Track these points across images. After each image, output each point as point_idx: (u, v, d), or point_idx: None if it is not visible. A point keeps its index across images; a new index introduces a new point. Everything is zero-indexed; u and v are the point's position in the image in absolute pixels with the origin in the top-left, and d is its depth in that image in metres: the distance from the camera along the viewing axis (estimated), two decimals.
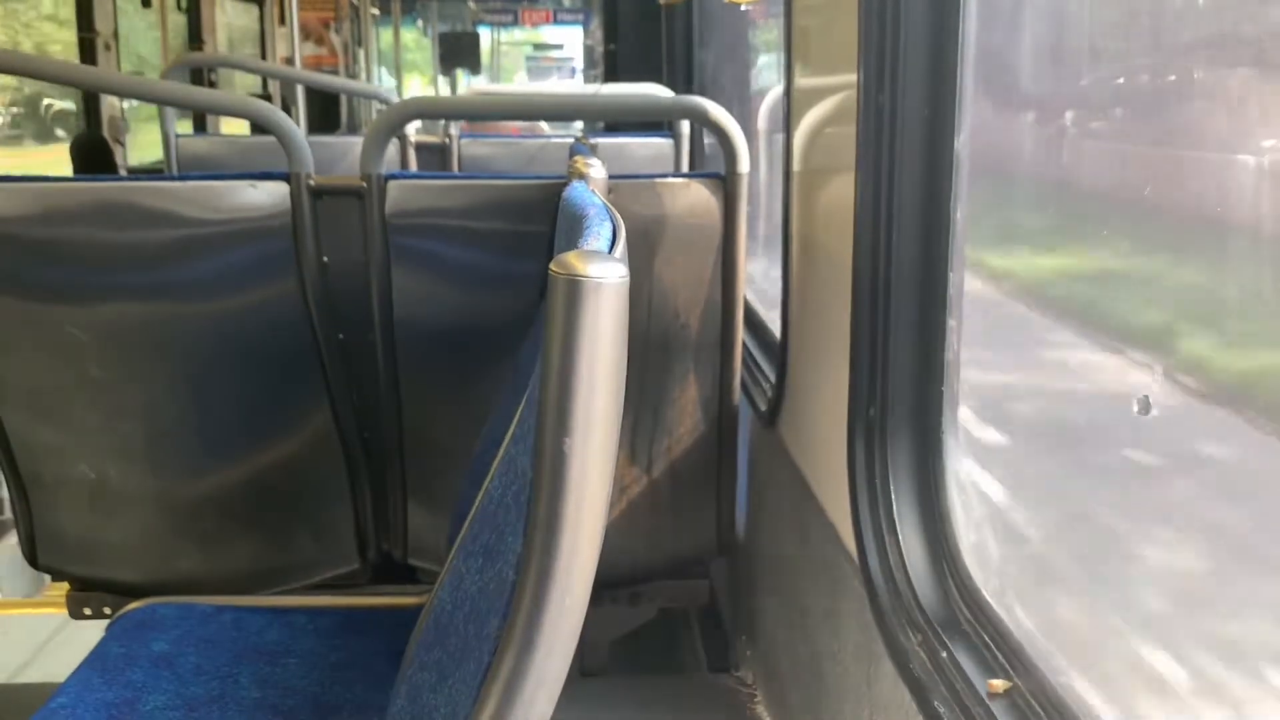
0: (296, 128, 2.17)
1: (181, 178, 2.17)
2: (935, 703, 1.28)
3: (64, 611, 2.39)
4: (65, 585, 2.39)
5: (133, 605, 1.94)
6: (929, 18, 1.44)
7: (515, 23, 15.50)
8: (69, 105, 6.86)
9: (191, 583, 2.25)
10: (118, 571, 2.31)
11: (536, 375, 0.99)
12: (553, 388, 0.79)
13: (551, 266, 0.79)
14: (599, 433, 0.80)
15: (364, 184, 2.14)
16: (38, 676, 2.68)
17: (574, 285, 0.78)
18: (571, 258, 0.79)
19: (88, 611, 2.35)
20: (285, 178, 2.13)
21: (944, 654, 1.33)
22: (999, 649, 1.30)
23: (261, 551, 2.33)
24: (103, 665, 1.76)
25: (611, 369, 0.80)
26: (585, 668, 2.52)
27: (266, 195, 2.13)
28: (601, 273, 0.79)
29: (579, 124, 4.67)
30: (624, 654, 2.66)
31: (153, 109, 4.06)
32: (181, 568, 2.31)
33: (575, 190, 1.26)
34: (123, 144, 5.96)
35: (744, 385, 2.38)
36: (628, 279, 0.81)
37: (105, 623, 1.93)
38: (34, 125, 7.12)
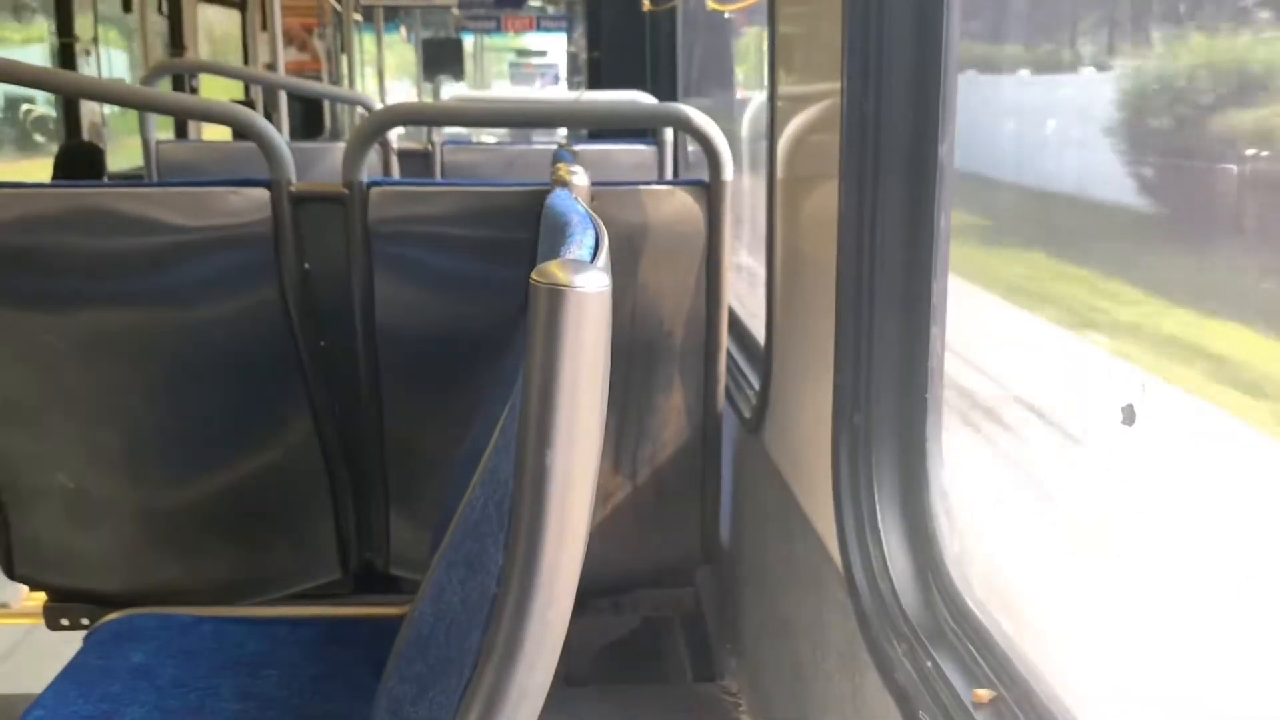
0: (277, 134, 2.16)
1: (161, 184, 2.15)
2: (920, 712, 1.28)
3: (41, 622, 2.36)
4: (42, 595, 2.37)
5: (111, 616, 1.92)
6: (913, 25, 1.43)
7: (498, 29, 15.49)
8: (50, 111, 6.82)
9: (171, 593, 2.23)
10: (96, 582, 2.29)
11: (519, 384, 0.98)
12: (534, 399, 0.78)
13: (533, 276, 0.78)
14: (581, 444, 0.79)
15: (346, 191, 2.12)
16: (13, 688, 2.65)
17: (555, 295, 0.77)
18: (553, 267, 0.78)
19: (65, 622, 2.32)
20: (266, 184, 2.11)
21: (929, 663, 1.33)
22: (984, 658, 1.29)
23: (242, 561, 2.31)
24: (79, 677, 1.74)
25: (594, 379, 0.79)
26: (569, 677, 2.51)
27: (247, 202, 2.11)
28: (583, 282, 0.78)
29: (563, 131, 4.66)
30: (608, 663, 2.65)
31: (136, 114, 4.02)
32: (161, 578, 2.29)
33: (558, 198, 1.25)
34: (103, 150, 5.93)
35: (728, 392, 2.37)
36: (610, 288, 0.80)
37: (83, 634, 1.91)
38: (12, 131, 7.09)
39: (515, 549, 0.79)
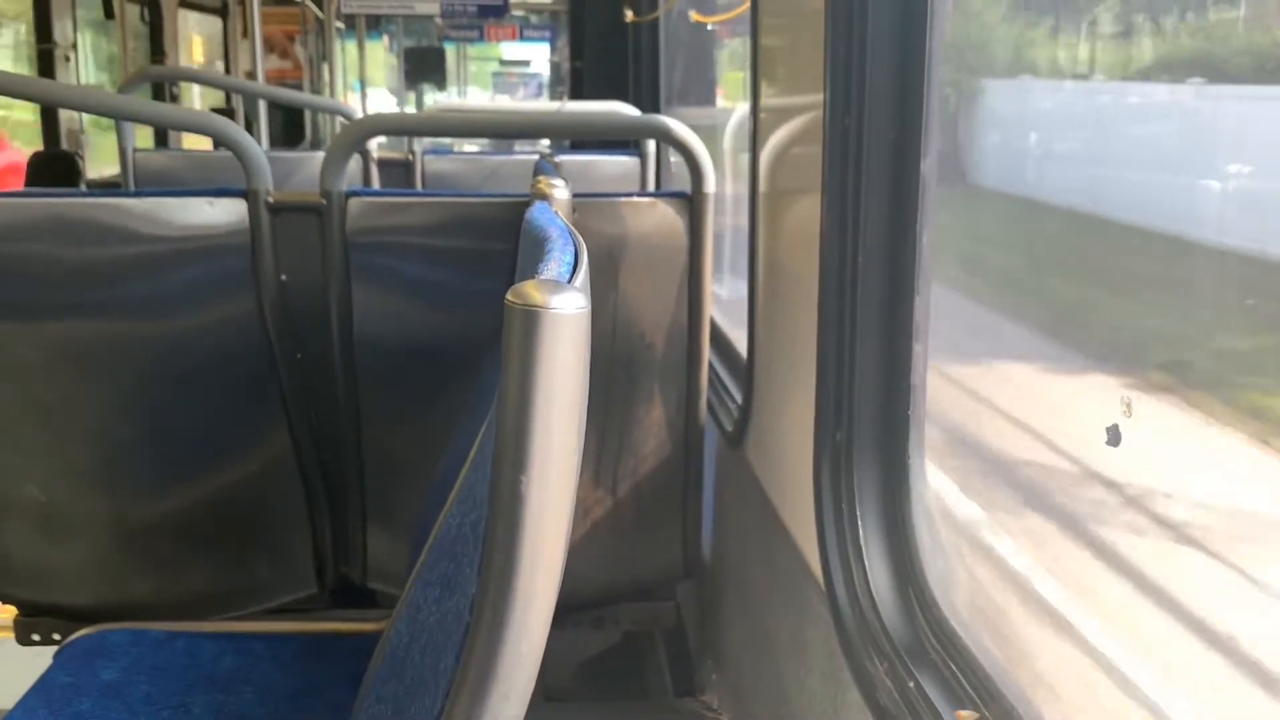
0: (255, 143, 2.14)
1: (137, 194, 2.13)
2: None
3: (11, 636, 2.33)
4: (13, 609, 2.33)
5: (82, 632, 1.89)
6: (896, 40, 1.43)
7: (481, 39, 15.47)
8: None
9: (144, 608, 2.20)
10: (67, 596, 2.26)
11: (496, 403, 0.97)
12: (509, 423, 0.76)
13: (508, 296, 0.76)
14: (557, 469, 0.77)
15: (324, 201, 2.10)
16: None
17: (530, 316, 0.75)
18: (529, 287, 0.76)
19: (36, 637, 2.29)
20: (243, 194, 2.09)
21: (911, 683, 1.31)
22: (967, 679, 1.28)
23: (216, 576, 2.28)
24: (49, 695, 1.71)
25: (570, 402, 0.77)
26: (549, 692, 2.49)
27: (224, 212, 2.09)
28: (560, 304, 0.76)
29: (545, 140, 4.65)
30: (589, 678, 2.63)
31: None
32: (133, 593, 2.26)
33: (538, 211, 1.24)
34: (81, 158, 5.89)
35: (710, 405, 2.36)
36: (588, 309, 0.78)
37: (54, 649, 1.88)
38: None
39: (488, 578, 0.78)
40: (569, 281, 0.83)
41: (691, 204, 2.18)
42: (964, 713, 1.23)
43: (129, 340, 2.14)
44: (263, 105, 6.34)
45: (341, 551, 2.33)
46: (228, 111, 7.09)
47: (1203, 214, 1.55)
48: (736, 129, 3.95)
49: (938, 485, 1.65)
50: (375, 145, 3.78)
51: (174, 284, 2.12)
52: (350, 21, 11.12)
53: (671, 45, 4.97)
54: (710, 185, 2.18)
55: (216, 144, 2.62)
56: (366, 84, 11.34)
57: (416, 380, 2.20)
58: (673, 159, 4.17)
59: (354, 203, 2.12)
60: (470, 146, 6.53)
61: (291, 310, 2.15)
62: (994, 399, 2.31)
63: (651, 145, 3.81)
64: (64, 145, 6.11)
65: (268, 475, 2.25)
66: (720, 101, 5.74)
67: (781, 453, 1.92)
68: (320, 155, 3.16)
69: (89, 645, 1.85)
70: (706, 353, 2.26)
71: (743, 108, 3.70)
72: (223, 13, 8.76)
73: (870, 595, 1.45)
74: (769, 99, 2.04)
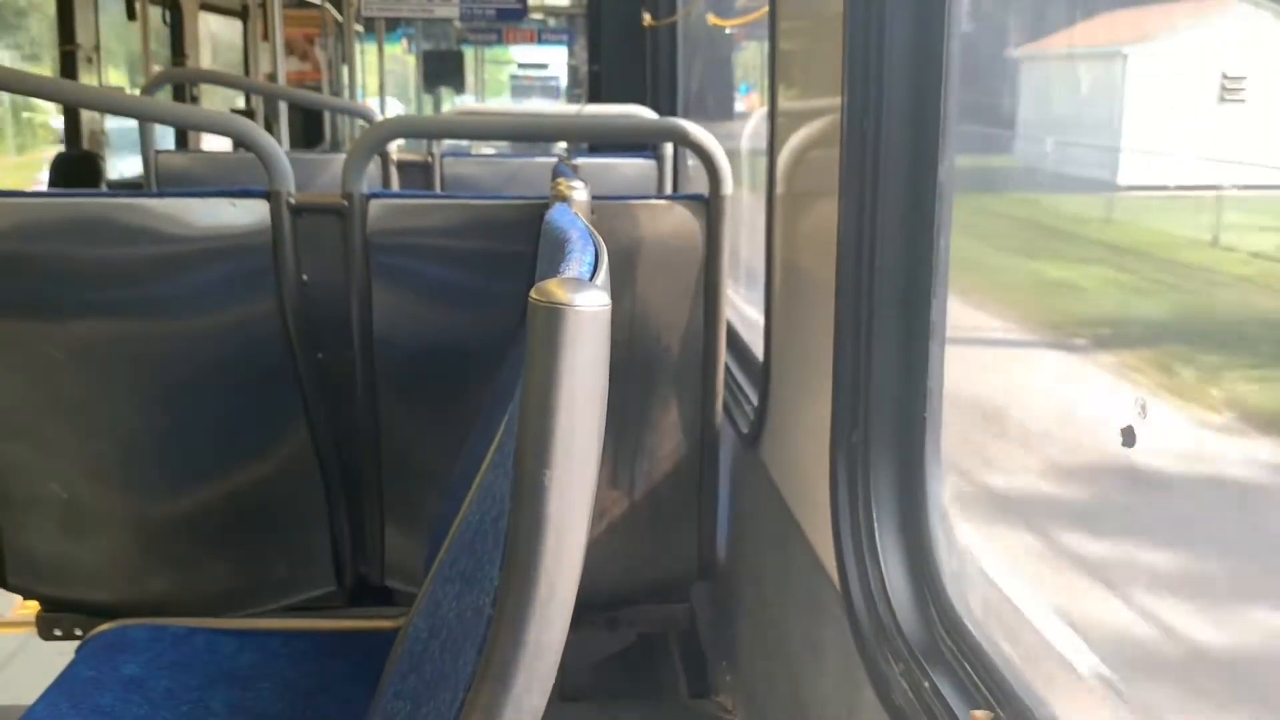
0: (277, 145, 2.16)
1: (160, 194, 2.15)
2: None
3: (34, 631, 2.35)
4: (36, 605, 2.36)
5: (103, 627, 1.91)
6: (913, 44, 1.44)
7: (499, 42, 15.52)
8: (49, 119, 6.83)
9: (164, 604, 2.22)
10: (89, 592, 2.28)
11: (517, 400, 0.98)
12: (532, 418, 0.77)
13: (532, 294, 0.78)
14: (579, 464, 0.78)
15: (345, 202, 2.12)
16: (5, 699, 2.64)
17: (555, 314, 0.77)
18: (552, 285, 0.78)
19: (58, 632, 2.31)
20: (265, 195, 2.11)
21: (926, 684, 1.32)
22: (982, 679, 1.29)
23: (236, 572, 2.30)
24: (71, 689, 1.73)
25: (592, 399, 0.79)
26: (564, 692, 2.50)
27: (246, 213, 2.11)
28: (583, 301, 0.77)
29: (562, 143, 4.67)
30: (604, 678, 2.64)
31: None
32: (154, 589, 2.28)
33: (558, 213, 1.25)
34: (102, 159, 5.93)
35: (726, 407, 2.37)
36: (609, 307, 0.80)
37: (76, 644, 1.90)
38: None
39: (512, 571, 0.79)
40: (590, 280, 0.85)
41: (708, 207, 2.19)
42: (979, 713, 1.24)
43: (151, 339, 2.17)
44: (283, 107, 6.38)
45: (359, 550, 2.35)
46: (246, 113, 7.13)
47: None
48: (754, 131, 3.95)
49: None
50: (395, 147, 3.81)
51: (196, 284, 2.14)
52: (370, 24, 11.17)
53: (689, 52, 4.97)
54: (728, 188, 2.19)
55: (237, 145, 2.64)
56: (366, 92, 11.37)
57: (435, 380, 2.21)
58: (690, 162, 4.19)
59: (375, 204, 2.14)
60: (488, 149, 6.56)
61: (312, 310, 2.17)
62: None
63: (669, 148, 3.82)
64: (85, 145, 6.16)
65: (287, 474, 2.26)
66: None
67: (797, 454, 1.93)
68: (340, 157, 3.18)
69: (110, 640, 1.87)
70: (723, 354, 2.26)
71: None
72: (243, 15, 8.82)
73: (886, 596, 1.45)
74: (786, 102, 2.04)
